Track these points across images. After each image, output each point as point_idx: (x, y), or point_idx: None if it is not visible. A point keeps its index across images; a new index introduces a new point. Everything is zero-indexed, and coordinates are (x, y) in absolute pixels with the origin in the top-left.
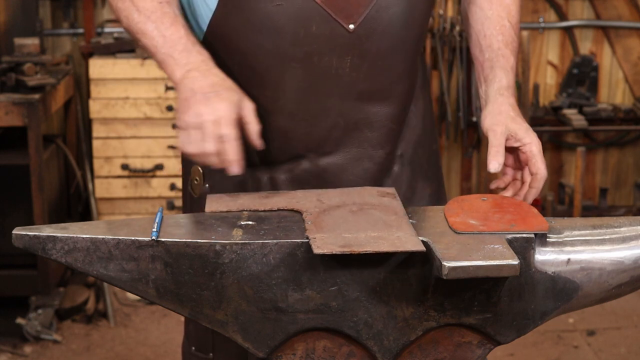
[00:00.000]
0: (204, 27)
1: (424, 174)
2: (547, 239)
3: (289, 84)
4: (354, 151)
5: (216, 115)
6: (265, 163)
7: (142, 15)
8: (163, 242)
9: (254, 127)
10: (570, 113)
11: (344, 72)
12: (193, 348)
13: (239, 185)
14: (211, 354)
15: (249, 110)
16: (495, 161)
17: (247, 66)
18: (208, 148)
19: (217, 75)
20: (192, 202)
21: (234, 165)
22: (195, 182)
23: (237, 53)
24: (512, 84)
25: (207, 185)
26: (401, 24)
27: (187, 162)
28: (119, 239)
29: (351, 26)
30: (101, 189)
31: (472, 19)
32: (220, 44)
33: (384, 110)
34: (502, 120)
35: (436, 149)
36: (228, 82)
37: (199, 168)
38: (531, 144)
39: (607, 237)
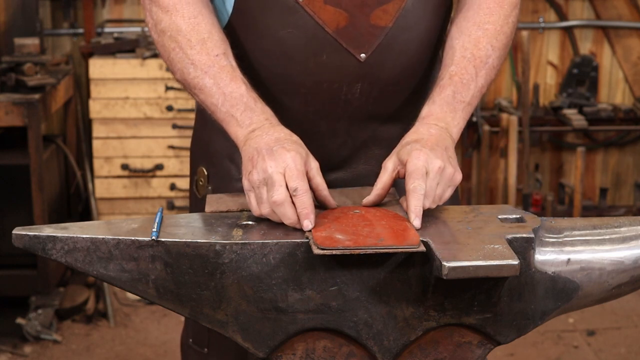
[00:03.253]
0: None
1: None
2: (547, 239)
3: (298, 107)
4: (361, 167)
5: (283, 167)
6: None
7: (199, 70)
8: (163, 242)
9: (321, 184)
10: (570, 113)
11: (353, 98)
12: (190, 340)
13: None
14: (206, 349)
15: (315, 166)
16: (369, 197)
17: (255, 87)
18: (278, 198)
19: (281, 131)
20: (196, 202)
21: (306, 218)
22: (200, 183)
23: (246, 75)
24: (432, 112)
25: (210, 187)
26: (414, 49)
27: (194, 162)
28: (119, 239)
29: (362, 55)
30: (101, 189)
31: (444, 47)
32: None
33: (393, 129)
34: (392, 155)
35: None
36: (294, 137)
37: (204, 169)
38: (409, 162)
39: (607, 237)
